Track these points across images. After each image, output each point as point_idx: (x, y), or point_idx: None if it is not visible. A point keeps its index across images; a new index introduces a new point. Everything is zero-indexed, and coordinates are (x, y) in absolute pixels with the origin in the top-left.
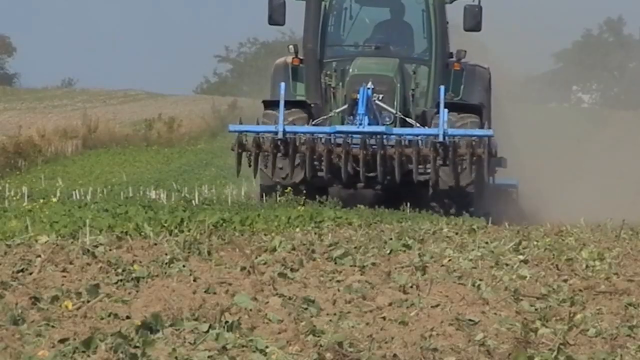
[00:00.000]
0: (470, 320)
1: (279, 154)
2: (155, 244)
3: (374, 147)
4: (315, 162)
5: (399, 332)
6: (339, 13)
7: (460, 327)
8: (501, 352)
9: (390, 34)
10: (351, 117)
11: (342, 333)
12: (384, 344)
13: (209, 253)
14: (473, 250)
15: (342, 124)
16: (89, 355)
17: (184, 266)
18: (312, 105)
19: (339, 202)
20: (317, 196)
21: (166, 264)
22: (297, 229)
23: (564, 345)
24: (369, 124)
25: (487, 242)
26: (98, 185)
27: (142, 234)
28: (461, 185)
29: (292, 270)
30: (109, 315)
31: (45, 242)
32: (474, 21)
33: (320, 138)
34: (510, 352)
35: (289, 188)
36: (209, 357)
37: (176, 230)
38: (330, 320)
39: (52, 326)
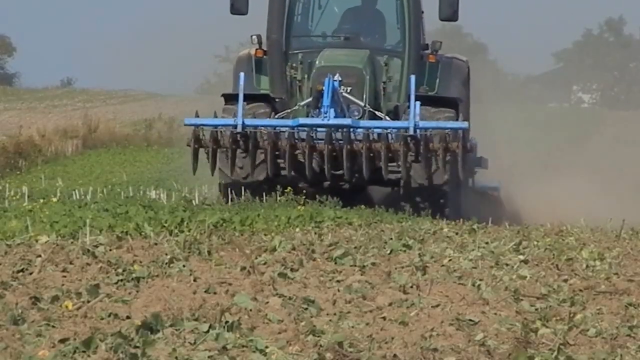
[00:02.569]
0: (470, 320)
1: (239, 150)
2: (156, 244)
3: (340, 142)
4: (279, 159)
5: (399, 332)
6: (305, 1)
7: (460, 327)
8: (501, 352)
9: (361, 24)
10: (316, 110)
11: (342, 333)
12: (384, 344)
13: (209, 253)
14: (473, 250)
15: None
16: (89, 355)
17: (184, 266)
18: (277, 99)
19: (339, 202)
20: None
21: (166, 264)
22: (297, 229)
23: (564, 345)
24: (335, 117)
25: (487, 242)
26: (98, 185)
27: (142, 234)
28: (434, 183)
29: (292, 270)
30: (109, 315)
31: (46, 242)
32: (450, 10)
33: (283, 132)
34: (510, 352)
35: (289, 188)
36: (209, 357)
37: (176, 230)
38: (330, 320)
39: (52, 326)
